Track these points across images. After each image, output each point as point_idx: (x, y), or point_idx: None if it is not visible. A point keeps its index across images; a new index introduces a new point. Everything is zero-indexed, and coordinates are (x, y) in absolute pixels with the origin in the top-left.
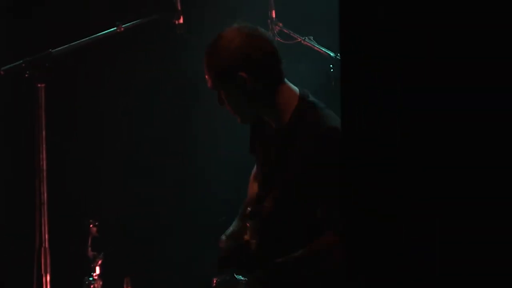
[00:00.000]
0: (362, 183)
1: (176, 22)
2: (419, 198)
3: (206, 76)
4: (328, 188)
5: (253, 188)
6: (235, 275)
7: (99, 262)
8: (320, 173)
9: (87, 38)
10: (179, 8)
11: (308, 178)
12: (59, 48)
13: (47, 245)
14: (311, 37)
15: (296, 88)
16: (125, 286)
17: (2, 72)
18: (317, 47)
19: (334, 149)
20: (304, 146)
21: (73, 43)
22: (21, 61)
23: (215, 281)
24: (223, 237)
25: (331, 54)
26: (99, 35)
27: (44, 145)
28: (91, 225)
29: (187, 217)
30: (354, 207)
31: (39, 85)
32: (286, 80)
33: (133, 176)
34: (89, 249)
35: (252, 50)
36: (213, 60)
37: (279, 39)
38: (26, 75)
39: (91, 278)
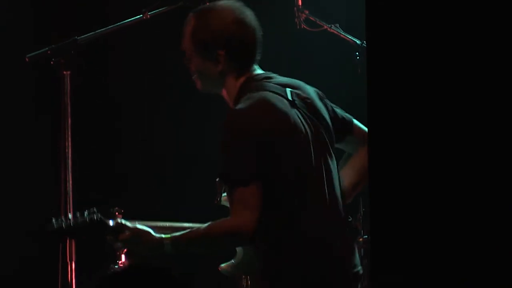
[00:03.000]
0: (388, 175)
1: None
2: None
3: (184, 40)
4: (224, 171)
5: None
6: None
7: (125, 250)
8: (220, 158)
9: (112, 25)
10: None
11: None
12: (85, 36)
13: None
14: (337, 25)
15: (259, 72)
16: None
17: (27, 59)
18: (343, 35)
19: (232, 136)
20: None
21: (99, 30)
22: (47, 48)
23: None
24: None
25: (357, 41)
26: (125, 22)
27: (69, 133)
28: (116, 213)
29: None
30: (382, 195)
31: (64, 72)
32: (255, 66)
33: (158, 164)
34: None
35: (227, 31)
36: (197, 30)
37: (305, 26)
38: (52, 62)
39: (116, 266)
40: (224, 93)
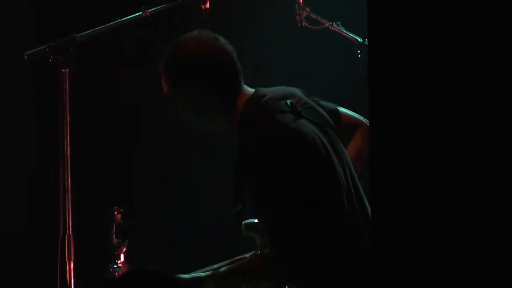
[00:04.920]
0: (389, 172)
1: (203, 7)
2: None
3: (162, 82)
4: (262, 197)
5: None
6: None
7: (124, 249)
8: (254, 179)
9: (112, 23)
10: None
11: (246, 183)
12: (84, 33)
13: (71, 232)
14: (339, 23)
15: (250, 91)
16: None
17: (25, 57)
18: (345, 33)
19: (262, 155)
20: (242, 151)
21: (98, 27)
22: (45, 45)
23: None
24: None
25: (359, 39)
26: (124, 20)
27: (68, 131)
28: (115, 212)
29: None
30: (382, 195)
31: (63, 70)
32: (244, 87)
33: (159, 162)
34: (114, 236)
35: (207, 62)
36: (168, 68)
37: (306, 24)
38: (50, 60)
39: (115, 266)
40: (225, 125)
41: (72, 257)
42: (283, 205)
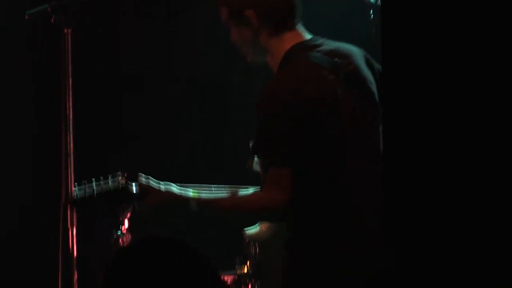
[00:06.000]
0: (402, 142)
1: None
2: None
3: (220, 10)
4: (263, 143)
5: None
6: None
7: (128, 215)
8: (258, 127)
9: None
10: None
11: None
12: None
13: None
14: None
15: (306, 36)
16: None
17: (27, 17)
18: None
19: (272, 108)
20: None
21: None
22: (46, 5)
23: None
24: None
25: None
26: None
27: (70, 93)
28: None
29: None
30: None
31: (65, 30)
32: (299, 26)
33: (163, 126)
34: None
35: None
36: None
37: None
38: (52, 20)
39: (119, 232)
40: (269, 60)
41: (75, 223)
42: (282, 162)
